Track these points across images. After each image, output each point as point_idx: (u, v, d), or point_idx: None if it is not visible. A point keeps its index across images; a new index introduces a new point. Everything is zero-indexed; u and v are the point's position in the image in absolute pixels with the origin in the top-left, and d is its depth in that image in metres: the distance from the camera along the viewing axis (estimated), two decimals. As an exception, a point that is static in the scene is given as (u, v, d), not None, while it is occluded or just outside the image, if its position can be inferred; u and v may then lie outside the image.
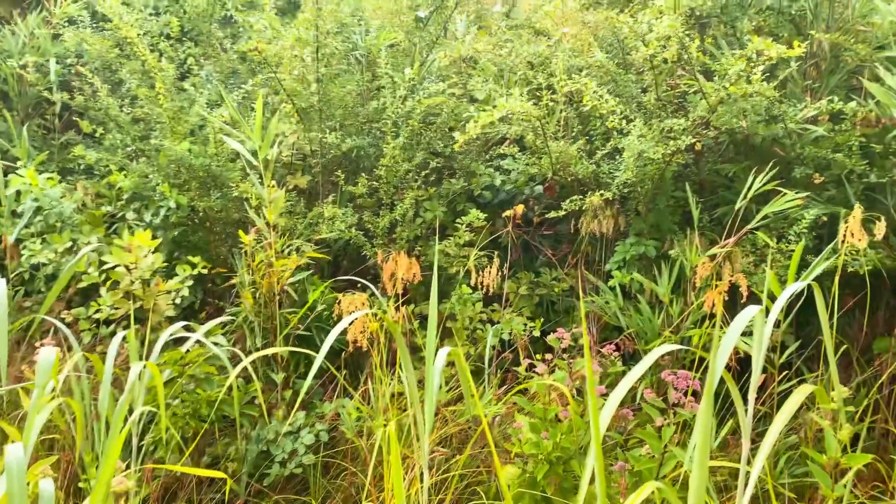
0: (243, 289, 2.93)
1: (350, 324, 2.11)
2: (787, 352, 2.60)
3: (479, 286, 2.96)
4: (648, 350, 2.75)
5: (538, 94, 3.11)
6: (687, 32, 2.71)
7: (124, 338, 2.21)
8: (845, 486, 1.72)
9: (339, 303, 2.43)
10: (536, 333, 2.78)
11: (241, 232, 2.85)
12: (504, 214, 3.39)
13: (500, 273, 3.06)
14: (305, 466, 2.67)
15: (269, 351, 2.19)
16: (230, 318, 2.96)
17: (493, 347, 2.98)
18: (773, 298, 2.13)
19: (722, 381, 1.50)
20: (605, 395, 1.91)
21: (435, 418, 2.65)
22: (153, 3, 4.70)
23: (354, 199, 3.58)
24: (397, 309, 2.94)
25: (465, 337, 3.07)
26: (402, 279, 2.56)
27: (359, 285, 2.42)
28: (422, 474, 2.11)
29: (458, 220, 3.39)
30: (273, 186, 2.81)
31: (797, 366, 2.78)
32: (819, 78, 3.43)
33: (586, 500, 2.00)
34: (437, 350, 2.17)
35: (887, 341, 2.87)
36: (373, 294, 2.94)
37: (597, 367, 2.05)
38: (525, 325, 2.89)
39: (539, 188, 3.70)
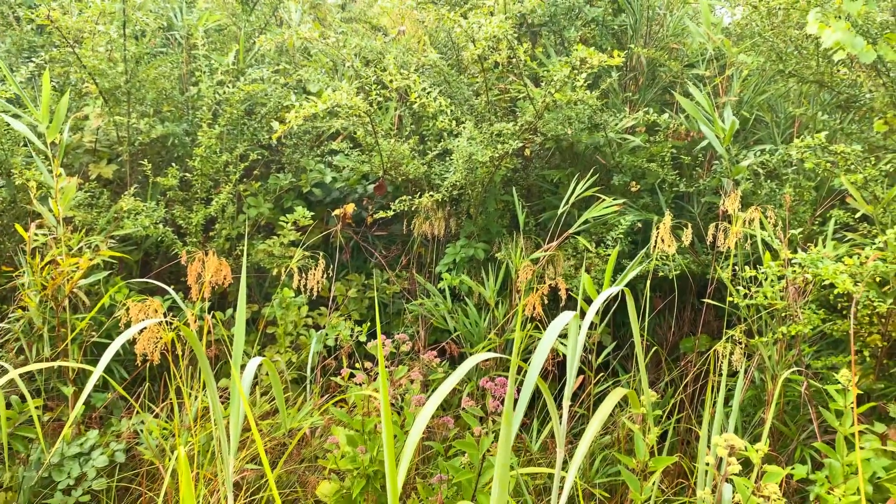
0: (25, 290, 2.54)
1: (140, 333, 1.86)
2: (604, 353, 2.68)
3: (304, 289, 2.78)
4: (474, 353, 2.72)
5: (368, 88, 2.99)
6: (516, 36, 2.71)
7: None
8: (653, 486, 1.75)
9: (127, 310, 2.15)
10: (363, 338, 2.66)
11: (17, 226, 2.47)
12: (334, 213, 3.23)
13: (326, 275, 2.90)
14: (95, 492, 2.35)
15: (37, 366, 1.87)
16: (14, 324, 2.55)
17: (319, 354, 2.82)
18: (589, 302, 2.17)
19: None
20: (420, 403, 1.83)
21: (248, 433, 2.45)
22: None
23: (165, 192, 3.26)
24: (208, 315, 2.69)
25: (288, 343, 2.88)
26: (211, 282, 2.32)
27: (153, 283, 2.16)
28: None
29: (284, 216, 3.19)
30: (62, 174, 2.46)
31: (613, 365, 2.88)
32: (637, 91, 3.62)
33: (405, 514, 1.90)
34: (249, 358, 1.97)
35: (692, 341, 3.06)
36: (186, 301, 2.67)
37: (419, 375, 1.96)
38: (352, 329, 2.76)
39: (371, 187, 3.59)
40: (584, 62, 2.55)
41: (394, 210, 2.93)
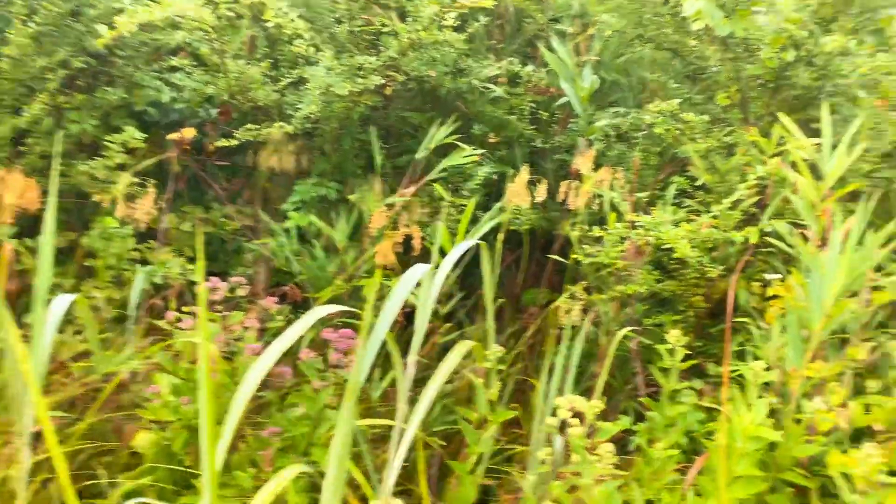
0: None
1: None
2: (452, 303, 2.67)
3: (130, 219, 2.51)
4: (319, 298, 2.61)
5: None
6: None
7: None
8: (490, 438, 1.76)
9: None
10: (195, 277, 2.45)
11: None
12: (169, 137, 2.93)
13: (158, 205, 2.63)
14: None
15: None
16: None
17: (145, 292, 2.57)
18: (443, 253, 2.12)
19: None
20: (255, 352, 1.70)
21: (56, 375, 2.19)
22: None
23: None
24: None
25: (110, 278, 2.60)
26: (16, 205, 2.01)
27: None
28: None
29: (109, 138, 2.83)
30: None
31: (460, 316, 2.89)
32: (503, 39, 3.57)
33: (232, 467, 1.79)
34: (63, 293, 1.74)
35: (534, 293, 3.14)
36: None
37: (255, 322, 1.83)
38: (184, 267, 2.53)
39: (216, 111, 3.29)
40: (453, 1, 2.44)
41: (238, 139, 2.70)
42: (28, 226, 2.83)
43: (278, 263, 2.73)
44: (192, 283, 2.56)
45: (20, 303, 2.57)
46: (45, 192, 2.49)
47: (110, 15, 3.00)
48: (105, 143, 2.79)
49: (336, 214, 2.92)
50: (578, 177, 2.60)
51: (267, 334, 2.01)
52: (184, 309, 1.83)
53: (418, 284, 1.85)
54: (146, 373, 2.08)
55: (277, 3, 2.51)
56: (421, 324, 1.51)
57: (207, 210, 3.20)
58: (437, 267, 1.70)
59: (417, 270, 1.41)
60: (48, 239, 1.59)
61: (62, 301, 1.77)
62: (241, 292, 1.95)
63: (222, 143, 2.73)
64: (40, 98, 2.66)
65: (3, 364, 1.95)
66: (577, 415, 1.44)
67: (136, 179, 2.77)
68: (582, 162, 2.45)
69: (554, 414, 1.47)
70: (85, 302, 1.81)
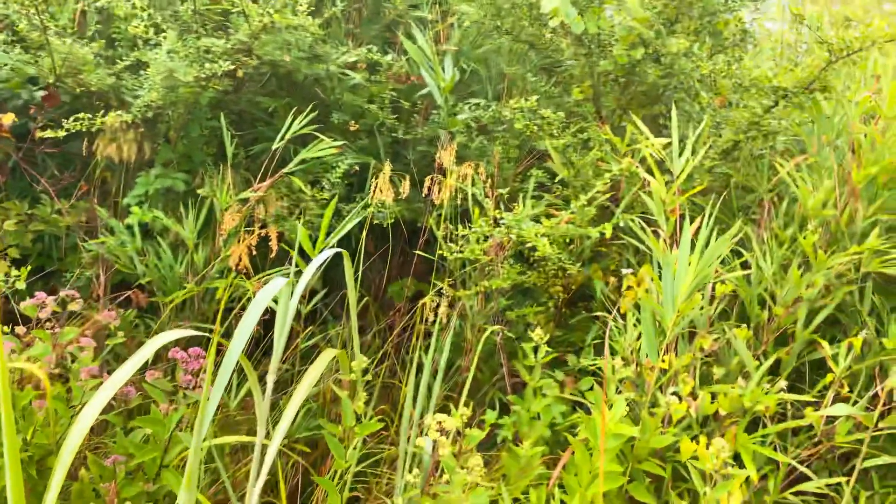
0: None
1: None
2: (314, 301, 2.57)
3: (-65, 220, 2.18)
4: (169, 302, 2.42)
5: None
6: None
7: None
8: (356, 447, 1.71)
9: None
10: (21, 285, 2.18)
11: None
12: (-16, 124, 2.58)
13: (-29, 202, 2.31)
14: None
15: None
16: None
17: (-43, 301, 2.26)
18: (303, 253, 2.02)
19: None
20: (92, 374, 1.53)
21: None
22: None
23: None
24: None
25: (-87, 287, 2.25)
26: None
27: None
28: None
29: None
30: None
31: (324, 314, 2.79)
32: (361, 24, 3.47)
33: (73, 499, 1.61)
34: None
35: (399, 285, 3.10)
36: None
37: (91, 341, 1.64)
38: (8, 274, 2.24)
39: (42, 93, 2.94)
40: (306, -15, 2.31)
41: (67, 129, 2.42)
42: None
43: (120, 264, 2.49)
44: (19, 293, 2.28)
45: None
46: None
47: None
48: None
49: (185, 209, 2.70)
50: (442, 170, 2.57)
51: (106, 352, 1.82)
52: (4, 330, 1.61)
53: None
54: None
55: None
56: (279, 342, 1.41)
57: (34, 205, 2.86)
58: (297, 273, 1.61)
59: (273, 286, 1.32)
60: None
61: None
62: (73, 306, 1.74)
63: (50, 133, 2.43)
64: None
65: None
66: (445, 432, 1.42)
67: (-58, 173, 2.41)
68: (445, 155, 2.43)
69: (422, 433, 1.43)
70: None
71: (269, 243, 2.35)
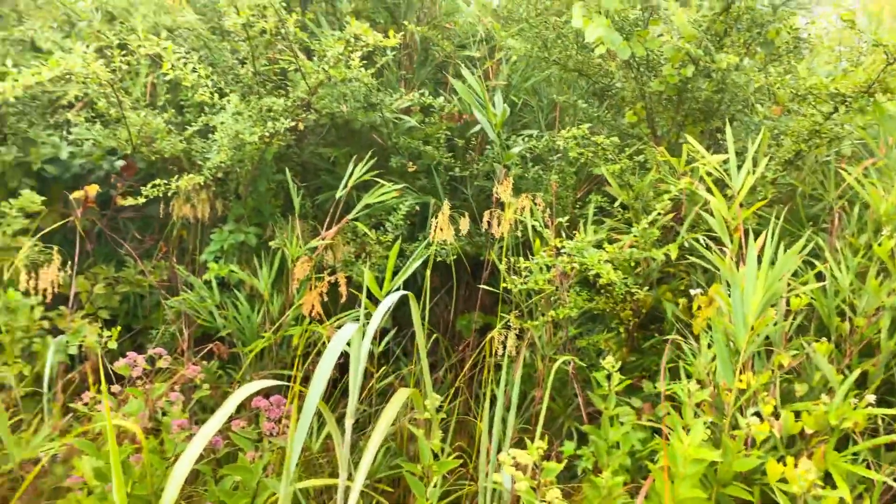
0: None
1: None
2: (385, 340, 2.62)
3: (36, 290, 2.35)
4: (248, 352, 2.52)
5: (111, 52, 2.57)
6: (284, 4, 2.49)
7: None
8: (435, 485, 1.73)
9: None
10: (112, 345, 2.32)
11: None
12: (73, 197, 2.77)
13: (64, 270, 2.48)
14: None
15: None
16: None
17: (61, 364, 2.41)
18: (371, 296, 2.08)
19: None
20: (183, 427, 1.62)
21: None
22: None
23: None
24: None
25: (19, 352, 2.43)
26: None
27: None
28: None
29: (6, 202, 2.66)
30: None
31: (396, 353, 2.85)
32: (411, 69, 3.57)
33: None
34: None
35: (467, 318, 3.13)
36: None
37: (179, 395, 1.73)
38: (100, 334, 2.39)
39: (121, 163, 3.14)
40: (358, 39, 2.41)
41: (146, 196, 2.58)
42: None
43: (201, 319, 2.61)
44: (111, 352, 2.42)
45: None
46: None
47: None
48: (1, 209, 2.61)
49: (258, 261, 2.82)
50: (500, 203, 2.61)
51: (192, 403, 1.91)
52: (102, 389, 1.72)
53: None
54: (67, 455, 1.94)
55: (175, 53, 2.41)
56: (355, 385, 1.46)
57: (120, 268, 3.05)
58: (366, 316, 1.67)
59: (345, 331, 1.37)
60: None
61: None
62: (161, 363, 1.84)
63: (130, 200, 2.60)
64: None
65: None
66: (522, 467, 1.43)
67: (38, 245, 2.60)
68: (501, 189, 2.46)
69: (498, 467, 1.45)
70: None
71: (339, 288, 2.43)
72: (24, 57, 3.02)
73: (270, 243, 2.74)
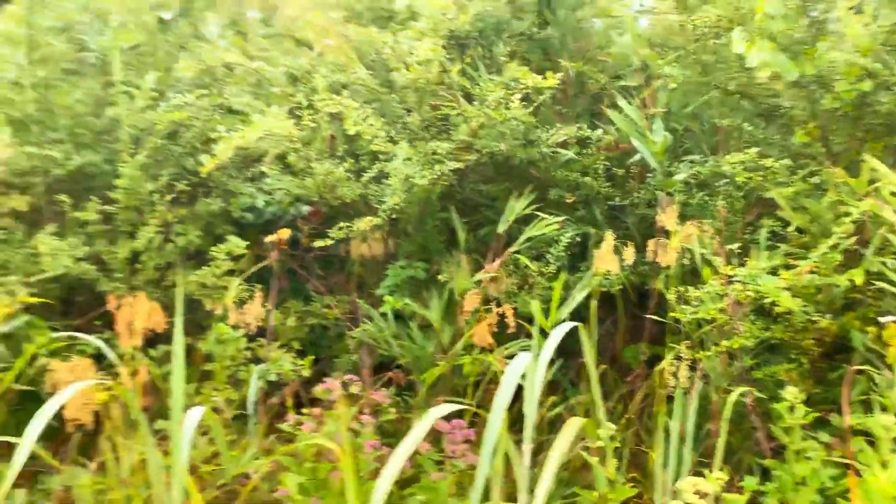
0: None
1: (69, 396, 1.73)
2: (552, 370, 2.68)
3: (242, 323, 2.67)
4: (424, 380, 2.68)
5: (299, 112, 2.90)
6: (448, 56, 2.68)
7: None
8: (612, 514, 1.76)
9: (52, 371, 2.01)
10: (306, 373, 2.57)
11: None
12: (268, 240, 3.12)
13: (265, 305, 2.80)
14: (26, 561, 2.19)
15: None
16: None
17: (261, 390, 2.72)
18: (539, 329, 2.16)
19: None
20: (375, 448, 1.77)
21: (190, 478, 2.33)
22: None
23: (85, 224, 3.07)
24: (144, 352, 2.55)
25: (226, 379, 2.76)
26: (143, 328, 2.20)
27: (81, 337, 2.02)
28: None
29: (216, 246, 3.05)
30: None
31: (562, 384, 2.89)
32: (567, 103, 3.65)
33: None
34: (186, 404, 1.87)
35: (634, 349, 3.11)
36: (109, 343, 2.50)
37: (370, 418, 1.90)
38: (294, 362, 2.67)
39: (306, 209, 3.49)
40: (517, 82, 2.54)
41: (332, 238, 2.85)
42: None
43: (380, 349, 2.82)
44: (305, 379, 2.69)
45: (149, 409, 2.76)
46: (164, 307, 2.70)
47: (202, 136, 3.28)
48: (212, 252, 3.00)
49: (427, 294, 3.00)
50: (664, 232, 2.60)
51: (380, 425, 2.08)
52: (304, 411, 1.93)
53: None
54: (271, 471, 2.18)
55: (355, 111, 2.67)
56: (530, 410, 1.54)
57: (307, 301, 3.36)
58: (538, 348, 1.75)
59: (520, 360, 1.46)
60: (179, 362, 1.74)
61: (195, 412, 1.90)
62: (354, 389, 2.04)
63: (319, 243, 2.88)
64: (152, 221, 2.90)
65: (148, 476, 2.10)
66: (702, 494, 1.42)
67: (243, 285, 2.95)
68: (667, 218, 2.46)
69: (676, 496, 1.46)
70: (214, 416, 1.94)
71: (506, 319, 2.53)
72: (225, 120, 3.46)
73: (439, 277, 2.90)
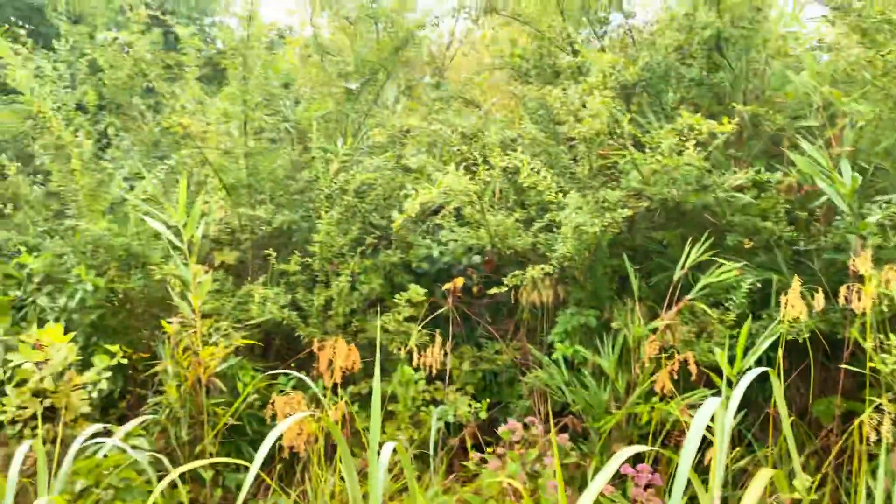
0: (167, 380, 2.72)
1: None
2: (737, 420, 2.58)
3: (423, 366, 2.85)
4: (598, 428, 2.68)
5: (473, 168, 3.08)
6: (618, 108, 2.75)
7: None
8: (811, 574, 1.66)
9: (272, 403, 2.27)
10: (482, 415, 2.68)
11: (164, 322, 2.66)
12: (444, 288, 3.31)
13: (443, 350, 2.96)
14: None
15: (197, 464, 1.99)
16: (152, 415, 2.73)
17: (439, 430, 2.86)
18: (721, 374, 2.11)
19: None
20: (555, 489, 1.81)
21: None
22: (67, 73, 4.51)
23: (286, 275, 3.44)
24: (334, 392, 2.79)
25: (408, 419, 2.93)
26: (342, 368, 2.42)
27: (296, 376, 2.26)
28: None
29: (396, 294, 3.29)
30: (199, 268, 2.65)
31: (746, 436, 2.76)
32: (741, 146, 3.56)
33: None
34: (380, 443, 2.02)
35: (825, 403, 2.90)
36: (306, 383, 2.77)
37: (552, 459, 1.95)
38: (470, 405, 2.78)
39: (477, 258, 3.66)
40: (692, 129, 2.54)
41: (507, 285, 2.97)
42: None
43: (553, 395, 2.87)
44: (480, 420, 2.79)
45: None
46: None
47: (387, 192, 3.57)
48: (394, 300, 3.23)
49: (599, 340, 3.02)
50: (857, 277, 2.45)
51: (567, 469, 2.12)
52: (488, 451, 2.03)
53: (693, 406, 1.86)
54: (454, 508, 2.28)
55: (529, 164, 2.80)
56: (720, 457, 1.52)
57: (478, 347, 3.50)
58: (714, 394, 1.72)
59: (709, 406, 1.46)
60: (376, 402, 1.90)
61: (387, 448, 2.06)
62: (534, 430, 2.10)
63: (494, 290, 3.01)
64: (345, 272, 3.19)
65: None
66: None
67: (422, 330, 3.14)
68: (859, 261, 2.32)
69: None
70: (404, 451, 2.08)
71: (688, 367, 2.48)
72: (406, 178, 3.73)
73: (613, 324, 2.91)
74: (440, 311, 3.36)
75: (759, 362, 2.76)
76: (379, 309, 3.59)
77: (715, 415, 1.54)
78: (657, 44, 3.36)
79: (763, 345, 2.06)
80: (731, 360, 2.17)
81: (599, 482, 1.36)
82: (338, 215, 3.23)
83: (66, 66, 4.02)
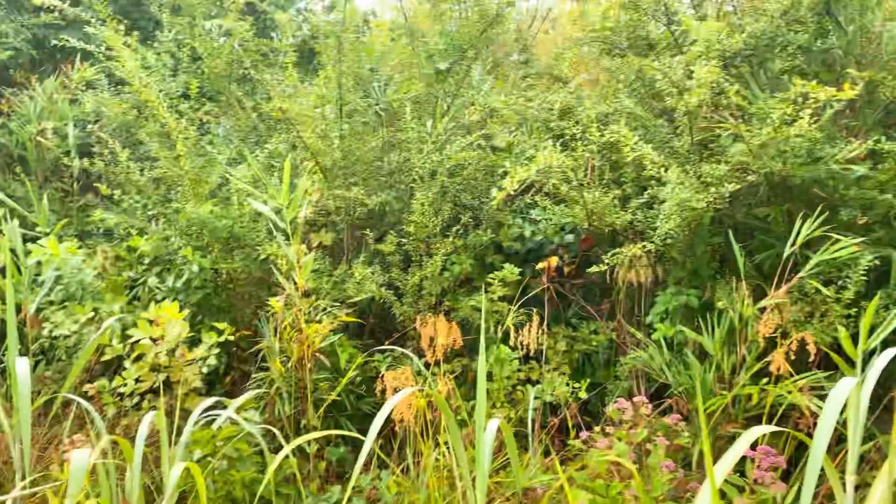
0: (273, 356, 2.82)
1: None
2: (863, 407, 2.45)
3: (520, 345, 2.83)
4: (705, 409, 2.60)
5: (570, 144, 3.03)
6: (725, 77, 2.63)
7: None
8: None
9: (381, 377, 2.31)
10: (582, 395, 2.65)
11: (272, 300, 2.75)
12: (538, 267, 3.28)
13: (541, 330, 2.94)
14: (344, 546, 2.51)
15: (306, 438, 2.06)
16: (259, 389, 2.84)
17: (535, 409, 2.84)
18: (844, 356, 2.00)
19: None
20: (670, 469, 1.78)
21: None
22: (170, 63, 4.70)
23: (380, 255, 3.49)
24: (437, 369, 2.81)
25: (504, 398, 2.94)
26: (443, 345, 2.44)
27: (397, 352, 2.30)
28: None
29: (488, 273, 3.28)
30: (302, 248, 2.72)
31: (868, 426, 2.62)
32: (854, 115, 3.34)
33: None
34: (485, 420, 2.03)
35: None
36: (410, 359, 2.81)
37: (664, 440, 1.91)
38: (569, 384, 2.76)
39: (569, 237, 3.60)
40: (806, 97, 2.41)
41: (607, 264, 2.91)
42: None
43: (654, 375, 2.80)
44: (580, 400, 2.76)
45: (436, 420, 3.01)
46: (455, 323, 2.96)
47: (478, 172, 3.56)
48: (485, 277, 3.23)
49: (701, 320, 2.92)
50: None
51: (670, 450, 2.07)
52: (595, 429, 2.00)
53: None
54: (557, 488, 2.27)
55: (632, 139, 2.72)
56: (854, 441, 1.45)
57: (573, 328, 3.45)
58: (828, 378, 1.63)
59: (843, 387, 1.38)
60: (482, 375, 1.91)
61: (493, 424, 2.07)
62: (644, 410, 2.06)
63: (593, 269, 2.95)
64: (439, 252, 3.21)
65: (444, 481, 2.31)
66: None
67: (516, 309, 3.13)
68: None
69: None
70: (507, 428, 2.09)
71: (807, 347, 2.37)
72: (498, 156, 3.70)
73: (718, 304, 2.81)
74: (532, 291, 3.33)
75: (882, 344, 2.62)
76: (467, 289, 3.60)
77: (850, 401, 1.46)
78: (764, 8, 3.18)
79: (891, 325, 1.94)
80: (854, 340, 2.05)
81: (731, 457, 1.32)
82: (431, 196, 3.24)
83: (168, 56, 4.19)
